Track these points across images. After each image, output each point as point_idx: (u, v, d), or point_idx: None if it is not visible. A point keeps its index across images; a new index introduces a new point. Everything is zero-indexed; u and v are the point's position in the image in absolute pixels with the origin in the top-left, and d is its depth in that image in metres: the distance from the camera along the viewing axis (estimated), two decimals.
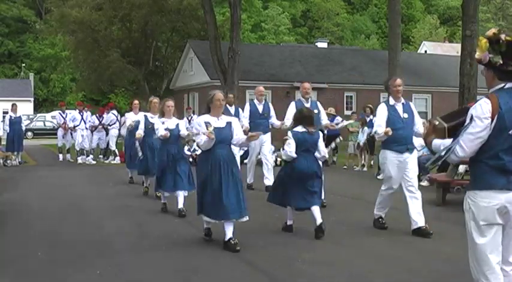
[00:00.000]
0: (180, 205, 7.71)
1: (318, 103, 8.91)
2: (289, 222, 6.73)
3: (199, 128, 5.79)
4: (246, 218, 5.85)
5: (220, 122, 5.90)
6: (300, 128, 6.53)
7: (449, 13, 67.06)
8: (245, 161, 11.96)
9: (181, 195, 7.78)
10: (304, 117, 6.61)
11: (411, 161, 6.66)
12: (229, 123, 5.96)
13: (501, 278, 3.24)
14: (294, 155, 6.39)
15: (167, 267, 5.24)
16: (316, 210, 6.32)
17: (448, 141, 3.32)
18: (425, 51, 50.68)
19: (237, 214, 5.77)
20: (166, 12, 29.95)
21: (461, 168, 10.05)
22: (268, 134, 10.43)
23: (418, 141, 12.15)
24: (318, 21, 67.37)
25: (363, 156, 14.96)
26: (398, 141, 6.54)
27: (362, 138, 14.52)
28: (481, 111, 3.16)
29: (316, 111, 8.38)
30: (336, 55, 31.99)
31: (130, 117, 11.21)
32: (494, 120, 3.15)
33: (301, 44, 48.93)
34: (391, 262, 5.40)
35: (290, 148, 6.41)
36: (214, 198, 5.76)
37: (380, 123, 6.61)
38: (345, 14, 68.69)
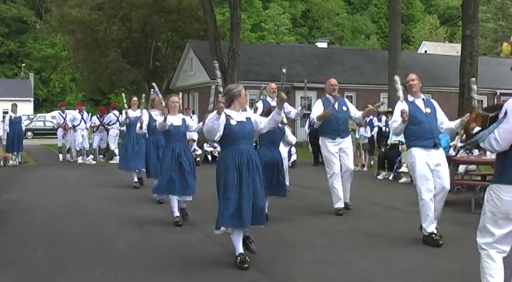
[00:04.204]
0: (177, 213, 7.17)
1: (346, 100, 8.15)
2: None
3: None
4: (262, 226, 5.37)
5: (241, 116, 5.37)
6: None
7: (449, 13, 67.15)
8: None
9: (183, 200, 7.34)
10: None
11: (440, 158, 6.09)
12: (248, 119, 5.45)
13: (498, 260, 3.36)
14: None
15: (167, 267, 5.23)
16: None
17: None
18: (425, 51, 50.68)
19: (258, 221, 5.23)
20: (166, 12, 29.92)
21: (461, 168, 10.03)
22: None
23: None
24: (318, 21, 67.46)
25: (363, 156, 14.96)
26: (424, 135, 6.03)
27: (366, 134, 14.53)
28: None
29: (344, 108, 7.94)
30: (336, 55, 31.96)
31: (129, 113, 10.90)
32: None
33: (301, 44, 48.94)
34: (391, 262, 5.39)
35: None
36: (239, 202, 5.09)
37: (396, 118, 6.20)
38: (345, 14, 68.80)
